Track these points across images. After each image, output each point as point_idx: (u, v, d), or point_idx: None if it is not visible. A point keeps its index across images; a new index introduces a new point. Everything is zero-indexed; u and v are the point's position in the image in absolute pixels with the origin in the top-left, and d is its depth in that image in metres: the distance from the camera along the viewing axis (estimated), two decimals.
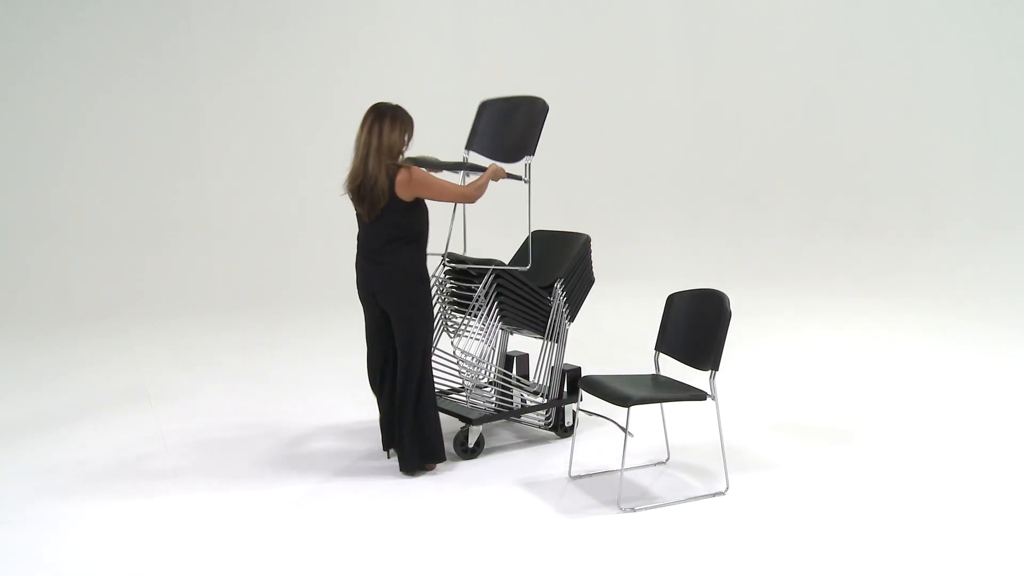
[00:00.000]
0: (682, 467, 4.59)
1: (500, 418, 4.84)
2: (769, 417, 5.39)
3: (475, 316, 4.78)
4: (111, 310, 8.65)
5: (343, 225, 10.06)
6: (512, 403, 4.89)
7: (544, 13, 10.83)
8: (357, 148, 4.30)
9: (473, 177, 4.78)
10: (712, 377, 4.19)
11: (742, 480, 4.39)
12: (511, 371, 5.04)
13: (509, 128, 4.88)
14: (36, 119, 9.16)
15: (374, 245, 4.40)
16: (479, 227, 9.81)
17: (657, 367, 4.51)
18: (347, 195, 4.39)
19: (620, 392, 4.10)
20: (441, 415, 5.06)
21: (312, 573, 3.58)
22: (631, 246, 10.42)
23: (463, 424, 4.74)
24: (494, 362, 4.97)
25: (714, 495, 4.22)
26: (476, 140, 5.05)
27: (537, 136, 4.71)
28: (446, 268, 4.91)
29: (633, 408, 4.18)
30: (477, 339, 4.90)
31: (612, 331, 7.60)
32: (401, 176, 4.26)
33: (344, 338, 7.55)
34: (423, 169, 4.40)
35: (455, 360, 4.90)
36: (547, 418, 4.99)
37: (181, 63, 9.58)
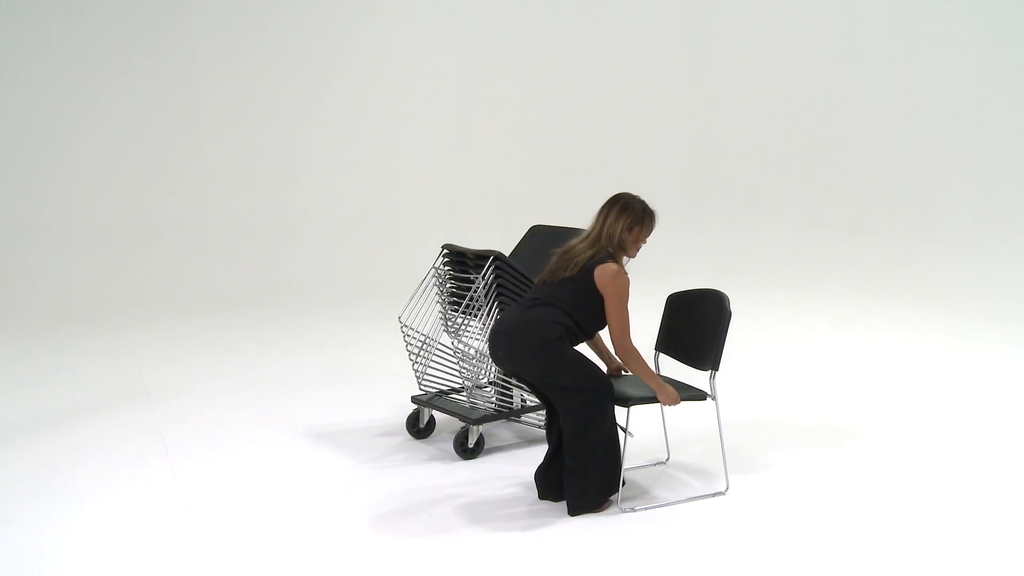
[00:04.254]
0: (682, 467, 4.59)
1: (500, 418, 4.84)
2: (769, 417, 5.38)
3: (474, 315, 4.78)
4: (111, 309, 8.65)
5: (344, 224, 10.09)
6: (512, 403, 4.89)
7: (544, 13, 10.82)
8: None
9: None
10: (712, 377, 4.19)
11: (742, 480, 4.39)
12: None
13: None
14: (35, 118, 9.16)
15: (539, 299, 4.04)
16: (479, 223, 9.81)
17: (657, 367, 4.51)
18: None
19: (620, 392, 4.10)
20: (441, 415, 5.08)
21: (310, 570, 3.58)
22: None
23: (463, 424, 4.74)
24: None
25: (714, 495, 4.22)
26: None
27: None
28: (445, 260, 4.93)
29: (633, 408, 4.18)
30: (477, 338, 4.90)
31: None
32: (611, 267, 3.96)
33: (345, 337, 7.56)
34: (627, 285, 4.02)
35: (455, 359, 4.90)
36: None
37: (181, 61, 9.57)
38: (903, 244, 9.66)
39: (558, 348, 3.96)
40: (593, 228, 4.08)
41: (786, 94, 10.57)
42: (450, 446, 4.81)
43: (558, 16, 10.85)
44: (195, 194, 9.73)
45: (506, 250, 4.93)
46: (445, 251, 4.95)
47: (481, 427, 4.75)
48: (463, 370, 4.85)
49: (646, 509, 4.09)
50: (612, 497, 4.12)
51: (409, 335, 4.95)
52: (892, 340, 7.11)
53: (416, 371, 5.03)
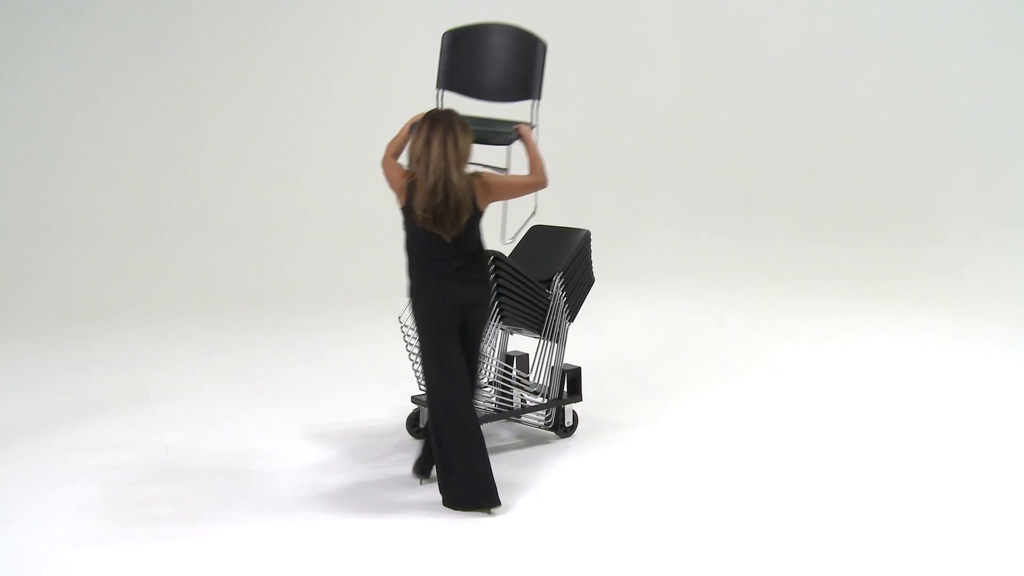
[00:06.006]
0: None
1: (500, 418, 4.84)
2: (768, 416, 5.38)
3: None
4: (111, 310, 8.65)
5: (344, 224, 10.08)
6: (512, 403, 4.89)
7: (544, 13, 10.81)
8: (428, 164, 3.90)
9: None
10: (535, 105, 4.20)
11: (740, 479, 4.40)
12: (511, 371, 5.03)
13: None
14: (35, 118, 9.15)
15: (460, 263, 4.09)
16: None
17: (441, 104, 4.49)
18: (418, 215, 3.97)
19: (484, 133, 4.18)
20: None
21: (310, 570, 3.58)
22: (631, 246, 10.40)
23: None
24: (494, 362, 4.97)
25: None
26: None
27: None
28: None
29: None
30: None
31: (612, 331, 7.59)
32: (475, 184, 4.02)
33: (345, 337, 7.56)
34: (489, 171, 4.13)
35: None
36: (547, 418, 4.99)
37: (181, 61, 9.57)
38: (903, 244, 9.66)
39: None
40: (447, 160, 3.88)
41: (786, 94, 10.56)
42: None
43: (558, 16, 10.84)
44: (195, 194, 9.71)
45: (506, 250, 4.93)
46: None
47: (481, 427, 4.74)
48: None
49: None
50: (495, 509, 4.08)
51: (409, 335, 4.95)
52: (892, 340, 7.11)
53: (416, 371, 5.03)
